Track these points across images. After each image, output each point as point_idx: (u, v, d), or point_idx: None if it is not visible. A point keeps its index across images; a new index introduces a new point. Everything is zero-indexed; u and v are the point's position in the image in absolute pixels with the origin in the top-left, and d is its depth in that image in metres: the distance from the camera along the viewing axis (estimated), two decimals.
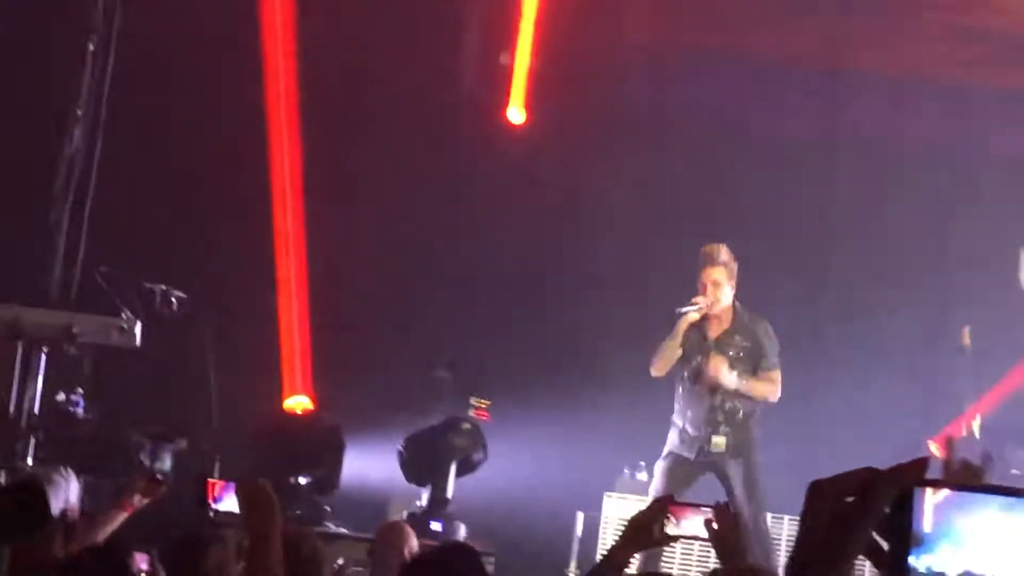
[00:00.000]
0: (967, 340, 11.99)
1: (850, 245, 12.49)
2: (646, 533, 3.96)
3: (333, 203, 11.35)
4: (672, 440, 9.32)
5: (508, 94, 11.92)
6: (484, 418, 10.86)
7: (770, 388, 9.31)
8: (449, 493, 9.61)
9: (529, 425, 11.34)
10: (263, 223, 11.10)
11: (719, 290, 9.22)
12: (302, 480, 9.30)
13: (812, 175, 12.49)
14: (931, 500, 1.31)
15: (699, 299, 9.20)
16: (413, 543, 7.02)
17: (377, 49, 11.77)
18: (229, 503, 6.34)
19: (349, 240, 11.35)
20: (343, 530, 9.35)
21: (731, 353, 9.25)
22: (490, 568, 9.08)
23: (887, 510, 1.27)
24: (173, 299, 9.61)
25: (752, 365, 9.28)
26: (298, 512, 8.91)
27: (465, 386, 10.85)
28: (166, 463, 8.88)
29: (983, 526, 1.28)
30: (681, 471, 9.18)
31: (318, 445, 9.42)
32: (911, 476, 1.28)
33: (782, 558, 9.29)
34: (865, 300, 12.38)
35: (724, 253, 9.31)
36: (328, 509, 9.45)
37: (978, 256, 12.39)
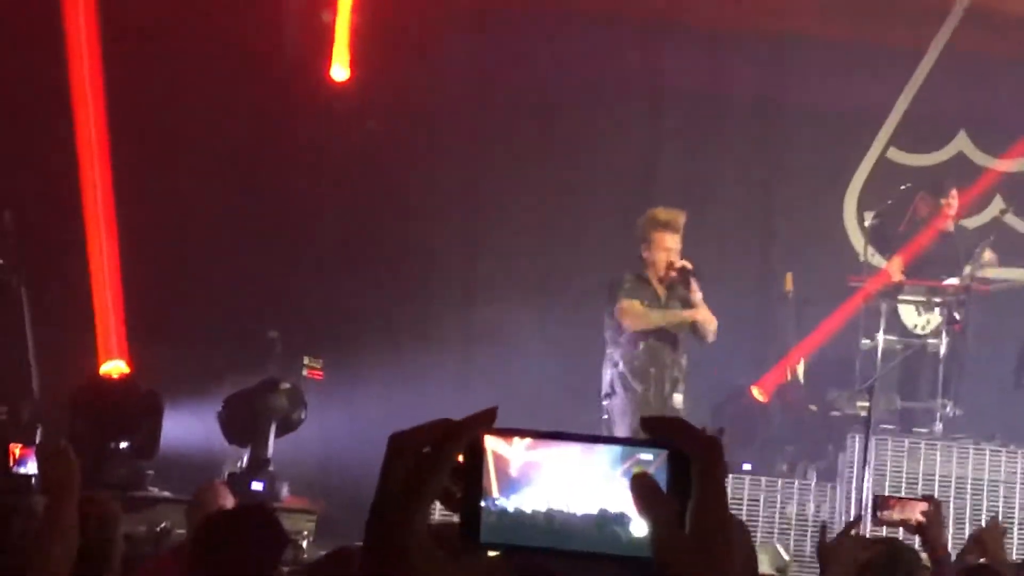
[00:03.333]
0: (790, 285, 12.23)
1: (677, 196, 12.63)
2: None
3: (149, 162, 11.18)
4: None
5: (331, 52, 11.85)
6: (318, 378, 10.80)
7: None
8: (269, 453, 9.61)
9: (358, 383, 11.34)
10: (72, 184, 10.90)
11: (677, 257, 9.37)
12: (122, 445, 9.23)
13: (637, 128, 12.63)
14: (520, 446, 1.37)
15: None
16: (228, 502, 7.00)
17: (197, 8, 11.64)
18: (31, 467, 6.31)
19: (168, 198, 11.21)
20: (166, 493, 9.31)
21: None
22: (310, 526, 9.11)
23: (460, 458, 1.33)
24: None
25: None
26: (112, 479, 8.83)
27: (296, 346, 10.81)
28: None
29: (564, 467, 1.35)
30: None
31: (135, 410, 9.35)
32: (480, 424, 1.34)
33: None
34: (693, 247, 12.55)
35: (683, 219, 9.49)
36: (151, 473, 9.40)
37: (798, 204, 12.62)
